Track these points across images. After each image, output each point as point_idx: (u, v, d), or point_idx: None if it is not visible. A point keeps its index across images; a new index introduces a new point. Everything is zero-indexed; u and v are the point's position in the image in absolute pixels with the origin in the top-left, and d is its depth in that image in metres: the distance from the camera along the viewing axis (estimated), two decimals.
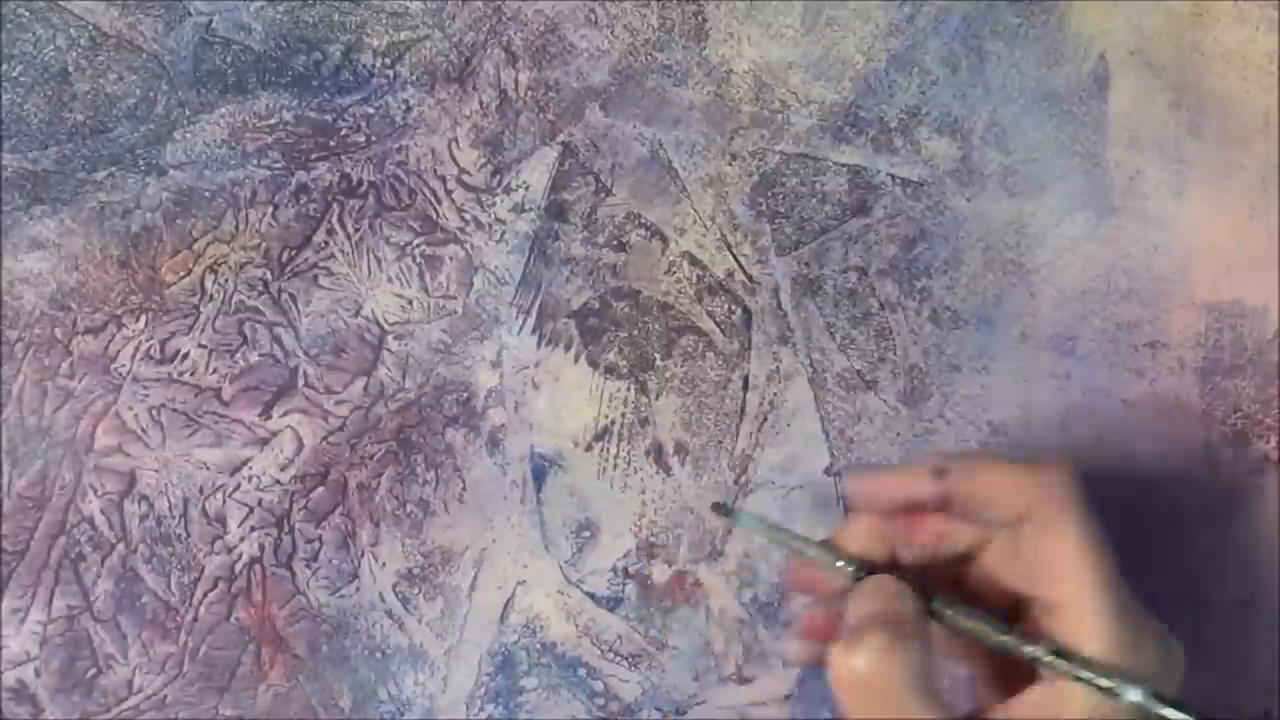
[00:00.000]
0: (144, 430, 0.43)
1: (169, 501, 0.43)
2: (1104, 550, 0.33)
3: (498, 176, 0.45)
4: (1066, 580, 0.33)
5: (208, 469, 0.43)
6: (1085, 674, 0.33)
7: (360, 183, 0.44)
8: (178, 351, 0.44)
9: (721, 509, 0.41)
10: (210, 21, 0.45)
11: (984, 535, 0.35)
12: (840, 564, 0.36)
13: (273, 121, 0.45)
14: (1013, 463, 0.35)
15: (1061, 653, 0.33)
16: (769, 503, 0.43)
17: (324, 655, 0.43)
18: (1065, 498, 0.34)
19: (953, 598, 0.35)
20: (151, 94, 0.45)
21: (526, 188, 0.45)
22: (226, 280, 0.44)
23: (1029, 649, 0.34)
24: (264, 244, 0.44)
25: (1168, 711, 0.33)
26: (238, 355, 0.44)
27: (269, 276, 0.44)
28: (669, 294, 0.44)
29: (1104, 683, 0.32)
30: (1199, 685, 0.43)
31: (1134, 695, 0.32)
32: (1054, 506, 0.34)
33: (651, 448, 0.44)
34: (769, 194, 0.44)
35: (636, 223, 0.44)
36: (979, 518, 0.35)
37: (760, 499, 0.43)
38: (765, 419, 0.44)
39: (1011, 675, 0.35)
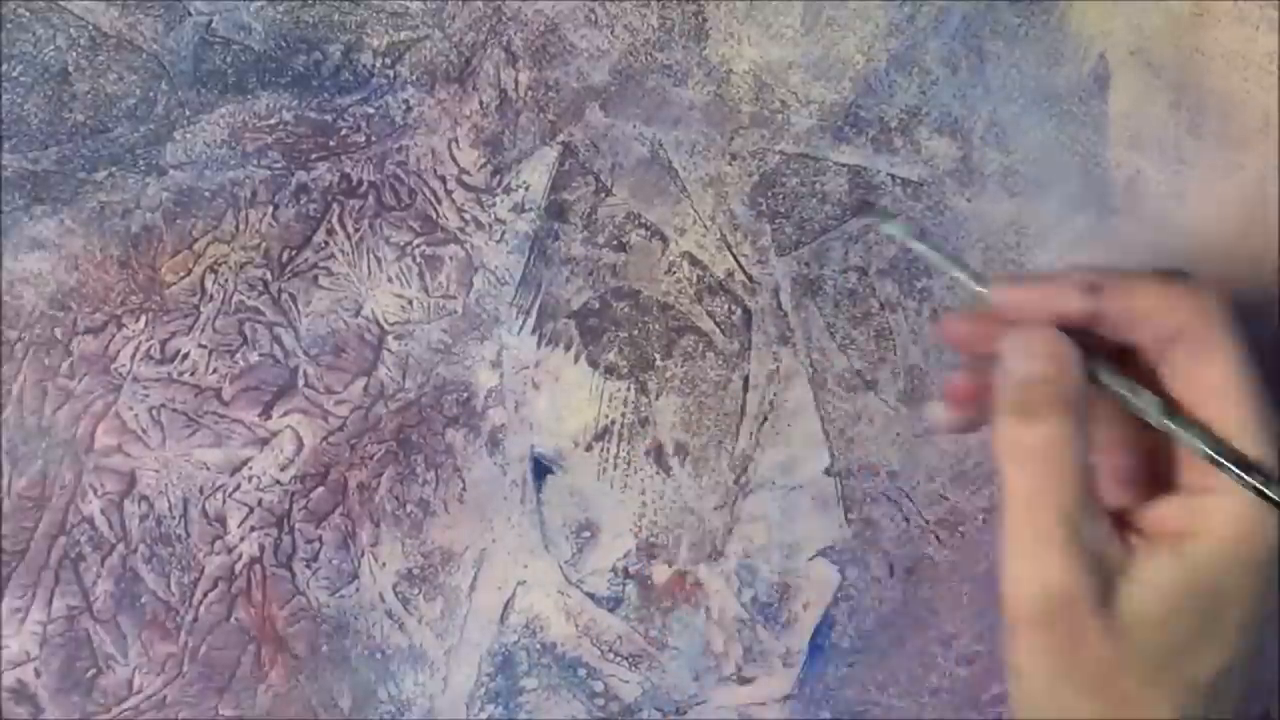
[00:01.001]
0: (144, 430, 0.43)
1: (169, 501, 0.43)
2: (1255, 375, 0.32)
3: (498, 176, 0.45)
4: (1218, 400, 0.32)
5: (208, 469, 0.43)
6: (1241, 471, 0.31)
7: (360, 183, 0.44)
8: (178, 351, 0.44)
9: (866, 209, 0.38)
10: (210, 21, 0.45)
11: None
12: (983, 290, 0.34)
13: (273, 121, 0.45)
14: (1166, 280, 0.34)
15: (1223, 448, 0.32)
16: (769, 503, 0.43)
17: (324, 655, 0.43)
18: (1218, 319, 0.32)
19: (1115, 368, 0.33)
20: (151, 94, 0.45)
21: (526, 188, 0.45)
22: (226, 280, 0.44)
23: (1195, 437, 0.32)
24: (264, 244, 0.44)
25: None
26: (238, 355, 0.44)
27: (269, 276, 0.44)
28: (669, 294, 0.44)
29: (1256, 482, 0.31)
30: None
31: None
32: (1208, 328, 0.32)
33: (651, 448, 0.44)
34: (769, 194, 0.44)
35: (636, 223, 0.44)
36: (1127, 336, 0.34)
37: (760, 499, 0.43)
38: (765, 419, 0.44)
39: (1148, 481, 0.34)
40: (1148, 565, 0.32)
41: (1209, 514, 0.32)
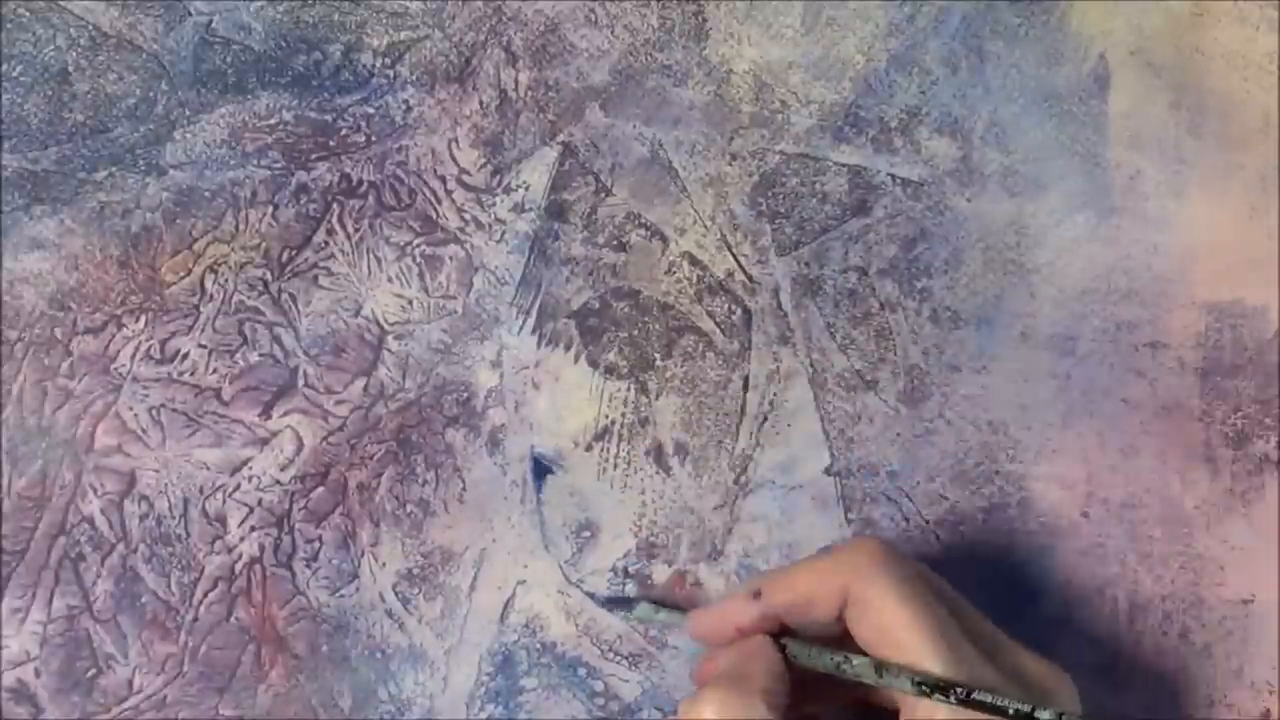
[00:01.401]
0: (144, 430, 0.43)
1: (169, 501, 0.43)
2: (920, 605, 0.35)
3: (498, 176, 0.45)
4: (892, 637, 0.35)
5: (208, 469, 0.43)
6: (900, 676, 0.34)
7: (360, 183, 0.44)
8: (178, 351, 0.44)
9: (614, 604, 0.42)
10: (210, 21, 0.45)
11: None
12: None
13: (273, 121, 0.45)
14: (818, 559, 0.37)
15: (880, 664, 0.35)
16: (769, 503, 0.43)
17: (324, 655, 0.43)
18: (870, 574, 0.35)
19: (807, 641, 0.37)
20: (151, 94, 0.45)
21: (526, 188, 0.45)
22: (226, 280, 0.44)
23: (845, 664, 0.35)
24: (264, 244, 0.44)
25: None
26: (238, 355, 0.44)
27: (269, 276, 0.44)
28: (669, 294, 0.44)
29: (911, 684, 0.34)
30: (1199, 685, 0.43)
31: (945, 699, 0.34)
32: (862, 586, 0.35)
33: (651, 448, 0.44)
34: (769, 194, 0.44)
35: (636, 223, 0.44)
36: (807, 621, 0.37)
37: (760, 499, 0.43)
38: (765, 419, 0.44)
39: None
40: None
41: None
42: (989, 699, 0.33)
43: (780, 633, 0.37)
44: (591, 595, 0.42)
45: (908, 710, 0.35)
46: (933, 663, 0.34)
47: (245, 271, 0.44)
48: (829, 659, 0.36)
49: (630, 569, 0.43)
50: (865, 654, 0.36)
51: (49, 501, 0.43)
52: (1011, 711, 0.33)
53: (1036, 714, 0.33)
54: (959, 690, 0.33)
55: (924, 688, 0.34)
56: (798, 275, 0.44)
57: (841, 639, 0.37)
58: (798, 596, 0.36)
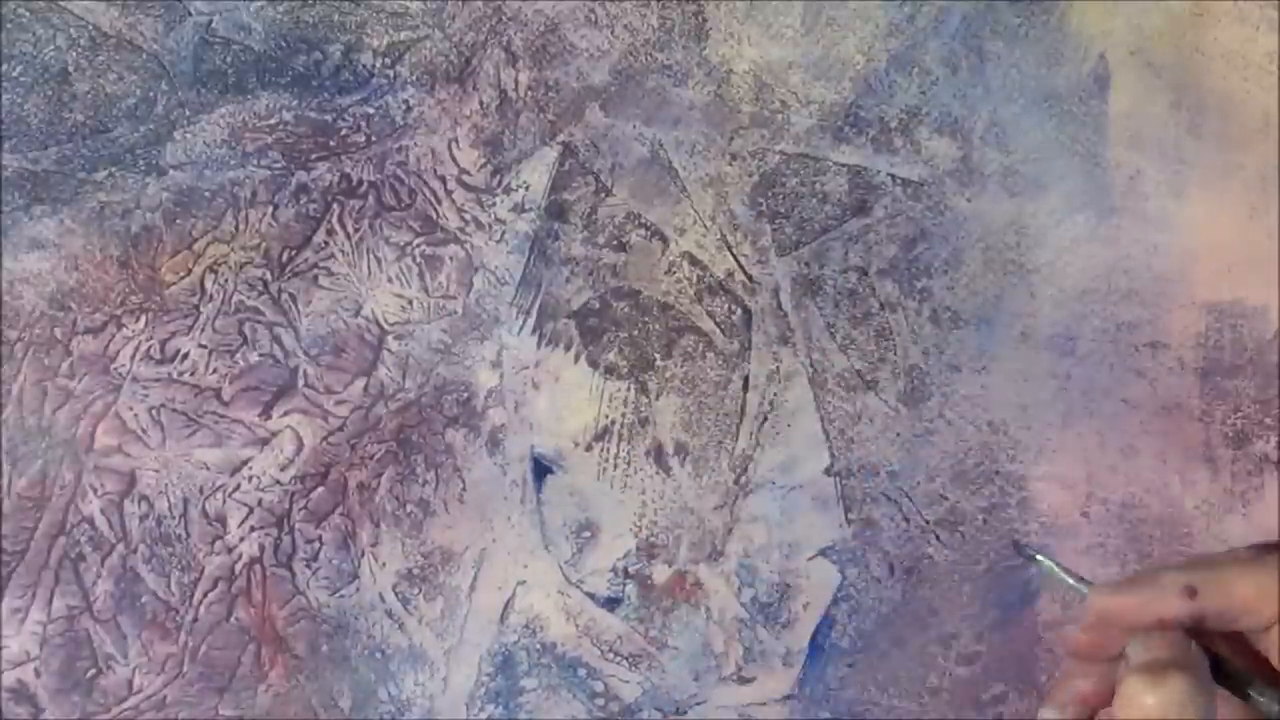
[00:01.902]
0: (144, 430, 0.43)
1: (169, 501, 0.43)
2: None
3: (498, 176, 0.45)
4: None
5: (208, 469, 0.43)
6: None
7: (360, 183, 0.44)
8: (178, 351, 0.44)
9: (1021, 550, 0.41)
10: (210, 21, 0.45)
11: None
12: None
13: (273, 121, 0.45)
14: (1259, 564, 0.35)
15: None
16: (769, 503, 0.43)
17: (324, 655, 0.43)
18: None
19: (1244, 672, 0.35)
20: (151, 94, 0.45)
21: (526, 188, 0.45)
22: (226, 280, 0.44)
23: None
24: (264, 244, 0.44)
25: None
26: (238, 355, 0.44)
27: (269, 276, 0.44)
28: (669, 294, 0.44)
29: None
30: None
31: None
32: None
33: (651, 448, 0.44)
34: (769, 194, 0.44)
35: (636, 223, 0.44)
36: (1234, 625, 0.35)
37: (760, 499, 0.43)
38: (765, 419, 0.44)
39: None
40: None
41: None
42: None
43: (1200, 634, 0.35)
44: (1017, 545, 0.41)
45: None
46: None
47: (245, 271, 0.44)
48: (1249, 682, 0.34)
49: (630, 569, 0.43)
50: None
51: (49, 501, 0.43)
52: None
53: None
54: None
55: None
56: (798, 275, 0.44)
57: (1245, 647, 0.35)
58: (1235, 604, 0.34)
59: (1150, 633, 0.35)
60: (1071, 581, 0.37)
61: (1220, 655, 0.35)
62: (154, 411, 0.43)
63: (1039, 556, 0.39)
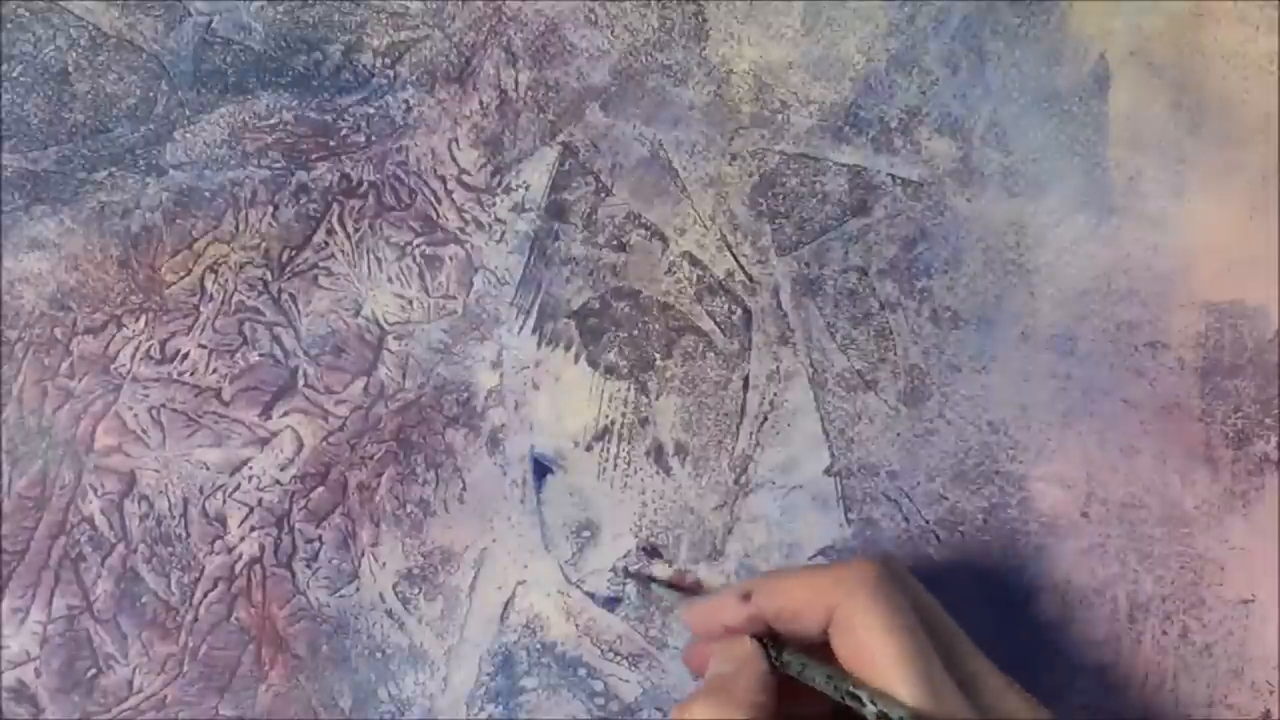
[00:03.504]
0: (144, 430, 0.43)
1: (169, 501, 0.43)
2: (903, 634, 0.35)
3: (498, 176, 0.45)
4: (875, 666, 0.35)
5: (208, 469, 0.43)
6: (890, 706, 0.34)
7: (360, 183, 0.44)
8: (178, 351, 0.44)
9: (635, 579, 0.43)
10: (210, 21, 0.45)
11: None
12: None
13: (273, 121, 0.45)
14: (812, 572, 0.38)
15: (874, 696, 0.35)
16: (769, 503, 0.43)
17: (324, 655, 0.43)
18: (859, 595, 0.36)
19: (800, 654, 0.37)
20: (151, 94, 0.45)
21: (526, 188, 0.45)
22: (226, 280, 0.44)
23: (841, 686, 0.35)
24: (264, 244, 0.44)
25: None
26: (238, 355, 0.44)
27: (269, 276, 0.44)
28: (669, 294, 0.44)
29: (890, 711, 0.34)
30: (1198, 685, 0.43)
31: None
32: (850, 606, 0.36)
33: (651, 448, 0.44)
34: (769, 194, 0.44)
35: (636, 223, 0.44)
36: (793, 631, 0.37)
37: (760, 499, 0.43)
38: (765, 419, 0.44)
39: None
40: None
41: None
42: None
43: (773, 635, 0.37)
44: (625, 571, 0.43)
45: None
46: (906, 696, 0.34)
47: (245, 271, 0.44)
48: (823, 678, 0.36)
49: (630, 569, 0.43)
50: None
51: (49, 501, 0.43)
52: None
53: None
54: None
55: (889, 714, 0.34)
56: (798, 275, 0.44)
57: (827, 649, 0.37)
58: (785, 607, 0.37)
59: (723, 642, 0.38)
60: (668, 598, 0.42)
61: (784, 648, 0.37)
62: (154, 411, 0.43)
63: (654, 584, 0.43)
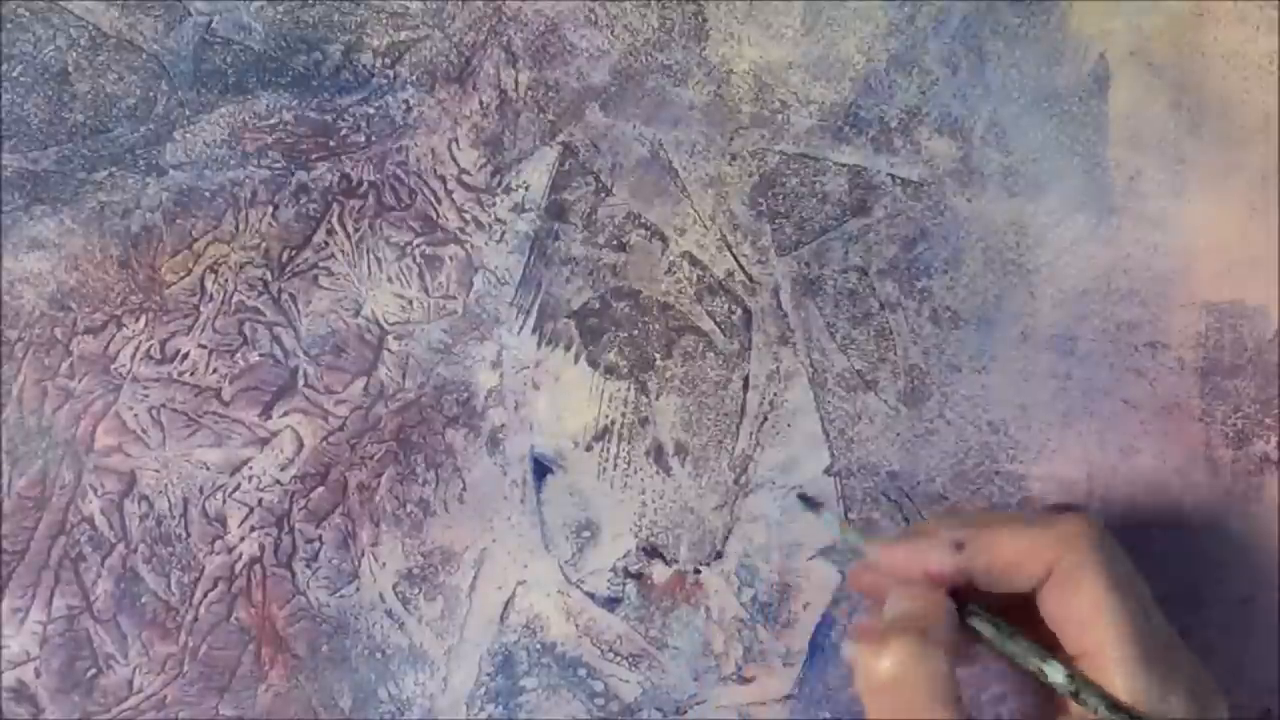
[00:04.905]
0: (144, 430, 0.43)
1: (169, 501, 0.43)
2: (1129, 599, 0.33)
3: (498, 176, 0.45)
4: (1090, 632, 0.33)
5: (208, 469, 0.43)
6: (1093, 700, 0.33)
7: (360, 183, 0.44)
8: (178, 351, 0.44)
9: (810, 504, 0.42)
10: (210, 21, 0.45)
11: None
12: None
13: (273, 121, 0.45)
14: (1029, 524, 0.35)
15: (1075, 677, 0.33)
16: (769, 503, 0.43)
17: (324, 655, 0.43)
18: (1084, 552, 0.34)
19: (987, 613, 0.35)
20: (151, 94, 0.45)
21: (526, 188, 0.45)
22: (226, 280, 0.44)
23: (1039, 664, 0.34)
24: (264, 244, 0.44)
25: None
26: (238, 355, 0.44)
27: (269, 276, 0.44)
28: (669, 294, 0.44)
29: (1107, 713, 0.32)
30: None
31: None
32: (1073, 563, 0.34)
33: (651, 448, 0.44)
34: (769, 194, 0.44)
35: (636, 223, 0.44)
36: (1003, 584, 0.35)
37: (760, 499, 0.43)
38: (765, 419, 0.44)
39: (1049, 706, 0.35)
40: None
41: None
42: None
43: (963, 592, 0.36)
44: (804, 497, 0.42)
45: (1077, 714, 0.34)
46: (1126, 672, 0.32)
47: (245, 271, 0.44)
48: (1020, 649, 0.34)
49: (630, 569, 0.43)
50: (1047, 638, 0.34)
51: (49, 501, 0.43)
52: None
53: None
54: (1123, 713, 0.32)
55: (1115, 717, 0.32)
56: (798, 275, 0.44)
57: (1015, 609, 0.35)
58: (1001, 559, 0.35)
59: (909, 585, 0.35)
60: (851, 538, 0.39)
61: (1011, 625, 0.35)
62: (154, 411, 0.43)
63: (825, 511, 0.41)
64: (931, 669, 0.33)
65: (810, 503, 0.42)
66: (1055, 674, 0.34)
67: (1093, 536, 0.34)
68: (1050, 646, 0.35)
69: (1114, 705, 0.33)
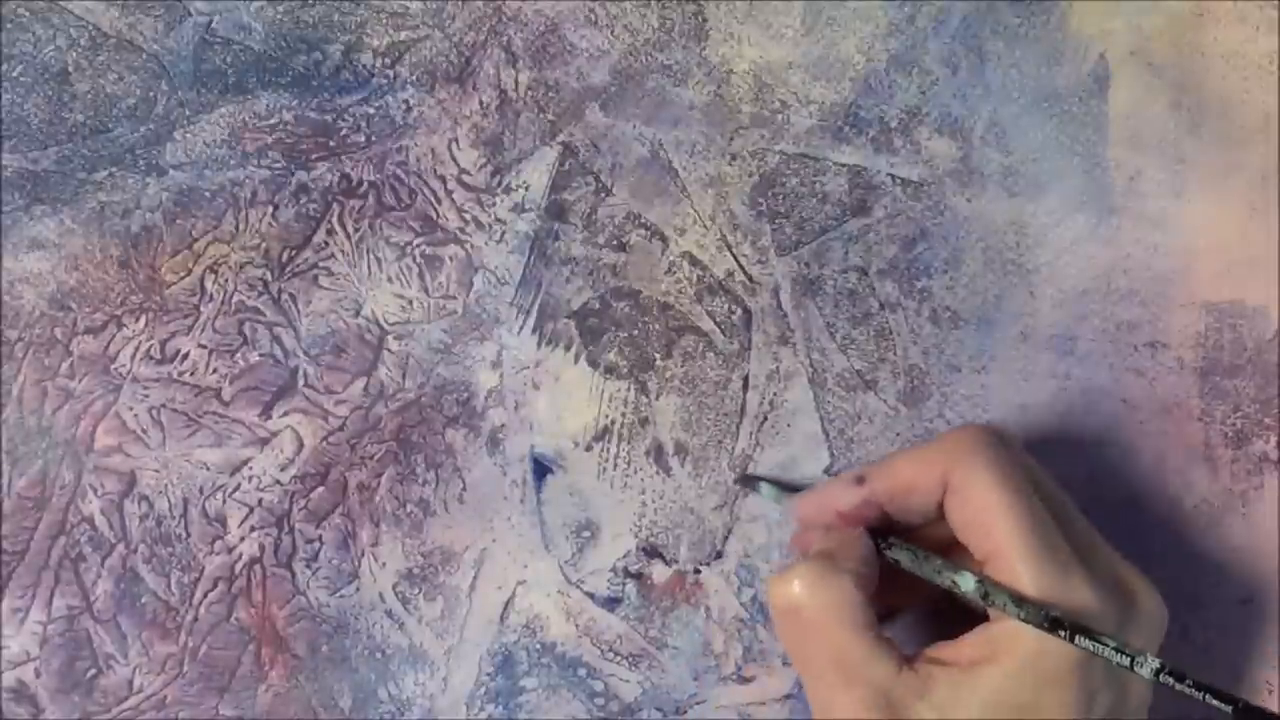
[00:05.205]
0: (144, 430, 0.43)
1: (169, 501, 0.43)
2: (1019, 494, 0.34)
3: (498, 176, 0.45)
4: (990, 534, 0.34)
5: (208, 469, 0.43)
6: (1000, 598, 0.33)
7: (360, 183, 0.44)
8: (178, 351, 0.44)
9: (749, 482, 0.42)
10: (210, 21, 0.45)
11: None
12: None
13: (273, 121, 0.45)
14: (922, 446, 0.37)
15: (983, 581, 0.34)
16: (769, 503, 0.43)
17: (324, 655, 0.43)
18: (971, 456, 0.34)
19: (902, 541, 0.36)
20: (151, 94, 0.45)
21: (526, 188, 0.45)
22: (226, 280, 0.44)
23: (952, 577, 0.34)
24: (264, 244, 0.44)
25: (1087, 643, 0.33)
26: (238, 355, 0.44)
27: (269, 276, 0.44)
28: (669, 294, 0.44)
29: (1015, 611, 0.33)
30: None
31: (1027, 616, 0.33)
32: (964, 470, 0.34)
33: (651, 448, 0.44)
34: (769, 194, 0.44)
35: (636, 223, 0.44)
36: (908, 510, 0.36)
37: (760, 499, 0.43)
38: (765, 419, 0.44)
39: (966, 620, 0.36)
40: (942, 693, 0.34)
41: (1003, 639, 0.34)
42: (1091, 646, 0.32)
43: (884, 530, 0.37)
44: (743, 478, 0.42)
45: (996, 616, 0.34)
46: (1028, 565, 0.33)
47: (245, 271, 0.44)
48: (933, 568, 0.35)
49: (630, 569, 0.43)
50: (966, 554, 0.35)
51: (49, 501, 0.43)
52: (1115, 660, 0.32)
53: (1137, 666, 0.32)
54: (1064, 631, 0.32)
55: (1025, 616, 0.33)
56: (798, 275, 0.44)
57: (940, 537, 0.36)
58: (899, 483, 0.36)
59: (829, 530, 0.37)
60: (770, 496, 0.41)
61: (924, 549, 0.36)
62: (154, 411, 0.43)
63: (761, 484, 0.42)
64: (837, 593, 0.34)
65: (749, 481, 0.43)
66: (966, 583, 0.34)
67: (980, 440, 0.35)
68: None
69: (1019, 600, 0.33)
